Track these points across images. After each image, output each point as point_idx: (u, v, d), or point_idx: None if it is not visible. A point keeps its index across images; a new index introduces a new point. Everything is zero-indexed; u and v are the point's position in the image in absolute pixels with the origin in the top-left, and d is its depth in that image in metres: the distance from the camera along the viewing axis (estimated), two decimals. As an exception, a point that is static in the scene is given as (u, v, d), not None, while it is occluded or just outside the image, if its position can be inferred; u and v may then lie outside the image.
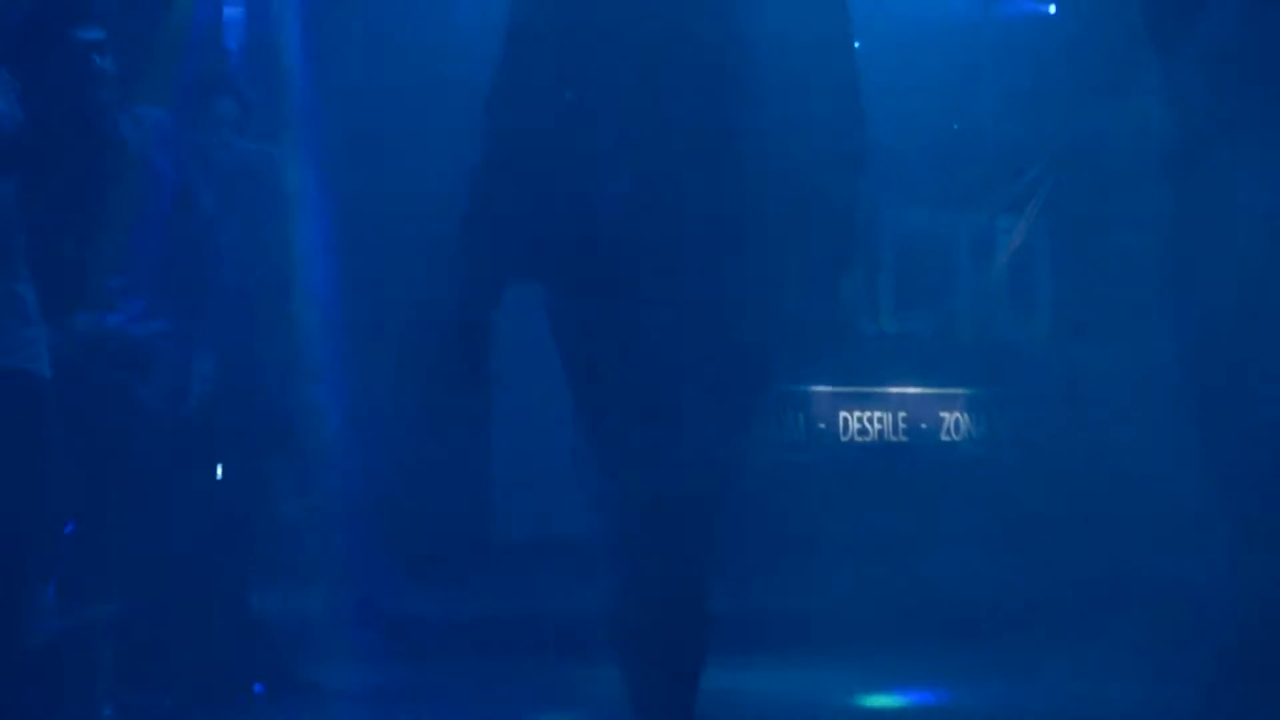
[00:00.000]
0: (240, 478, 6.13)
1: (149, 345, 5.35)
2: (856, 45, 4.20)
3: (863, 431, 10.10)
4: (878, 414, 10.11)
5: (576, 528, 9.05)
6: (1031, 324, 10.86)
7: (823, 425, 9.90)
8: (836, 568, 8.70)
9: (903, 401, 10.24)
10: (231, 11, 7.16)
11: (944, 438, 10.36)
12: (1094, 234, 10.76)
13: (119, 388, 5.28)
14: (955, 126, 10.57)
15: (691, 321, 4.28)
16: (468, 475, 8.93)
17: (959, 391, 10.45)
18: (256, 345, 6.44)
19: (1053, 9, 10.85)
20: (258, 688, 5.99)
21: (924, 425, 10.28)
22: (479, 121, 4.21)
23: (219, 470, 5.85)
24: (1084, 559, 9.46)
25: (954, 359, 10.47)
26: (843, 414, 9.92)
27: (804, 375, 5.53)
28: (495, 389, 5.05)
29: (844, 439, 10.00)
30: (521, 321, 8.34)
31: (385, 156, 8.66)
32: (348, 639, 6.95)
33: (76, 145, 5.29)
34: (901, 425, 10.22)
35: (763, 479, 5.71)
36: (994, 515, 9.74)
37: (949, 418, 10.38)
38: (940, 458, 10.25)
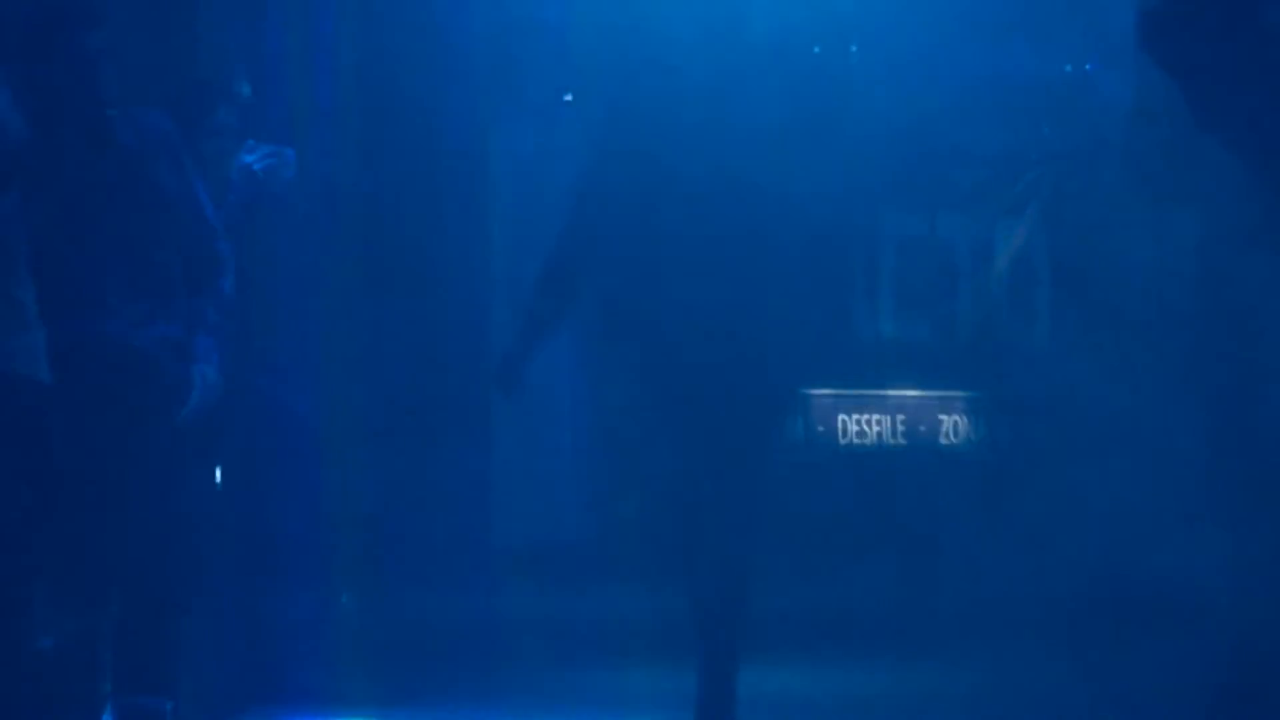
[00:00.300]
0: (242, 483, 6.13)
1: (150, 351, 5.33)
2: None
3: (861, 435, 10.09)
4: (876, 417, 10.10)
5: (576, 533, 9.08)
6: (1031, 328, 10.84)
7: (821, 428, 9.89)
8: (835, 570, 8.70)
9: (901, 405, 10.23)
10: (235, 15, 7.15)
11: (943, 441, 10.35)
12: (1093, 238, 10.75)
13: (119, 394, 5.27)
14: (954, 131, 10.56)
15: (722, 336, 5.05)
16: (468, 480, 8.92)
17: (958, 395, 10.44)
18: (258, 349, 6.46)
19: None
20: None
21: (923, 429, 10.27)
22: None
23: (218, 475, 5.84)
24: (1083, 562, 9.45)
25: (953, 363, 10.46)
26: (841, 417, 9.91)
27: (804, 379, 5.62)
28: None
29: (843, 442, 10.00)
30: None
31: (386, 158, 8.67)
32: (348, 644, 6.95)
33: (77, 150, 5.28)
34: (900, 429, 10.22)
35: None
36: (993, 518, 9.73)
37: (948, 421, 10.38)
38: (939, 461, 10.24)
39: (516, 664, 7.13)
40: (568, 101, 9.51)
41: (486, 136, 9.27)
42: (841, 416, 9.88)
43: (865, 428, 10.12)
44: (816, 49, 9.20)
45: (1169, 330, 10.40)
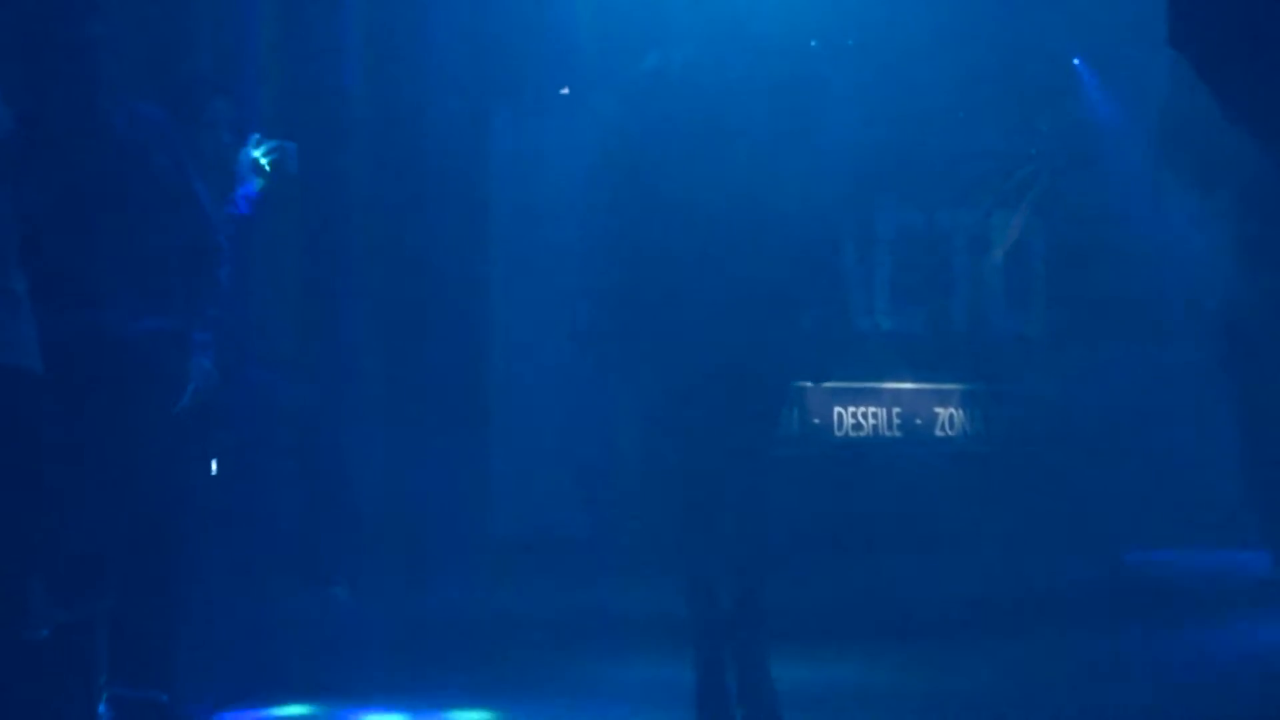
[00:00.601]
0: (239, 475, 6.12)
1: (146, 343, 5.33)
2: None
3: (857, 427, 10.10)
4: (872, 409, 10.11)
5: (573, 527, 9.10)
6: (1025, 320, 10.86)
7: (817, 420, 9.90)
8: (829, 562, 8.70)
9: (897, 397, 10.24)
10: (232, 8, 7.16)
11: (938, 433, 10.36)
12: (1088, 230, 10.77)
13: (115, 386, 5.26)
14: (950, 124, 10.57)
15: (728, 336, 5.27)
16: (466, 473, 8.94)
17: (953, 387, 10.46)
18: (254, 341, 6.46)
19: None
20: None
21: (918, 421, 10.28)
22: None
23: (214, 467, 5.83)
24: (1077, 555, 9.48)
25: (948, 355, 10.48)
26: (837, 409, 9.92)
27: (805, 372, 5.73)
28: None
29: (838, 434, 10.01)
30: (520, 323, 8.31)
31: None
32: (347, 637, 6.95)
33: (73, 142, 5.27)
34: (896, 421, 10.23)
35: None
36: (988, 510, 9.74)
37: (943, 414, 10.39)
38: (934, 453, 10.25)
39: (513, 657, 7.13)
40: (564, 94, 9.52)
41: (484, 128, 9.28)
42: (837, 409, 9.89)
43: (861, 420, 10.12)
44: (813, 43, 9.24)
45: (1174, 325, 10.47)
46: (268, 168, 6.01)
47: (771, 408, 5.59)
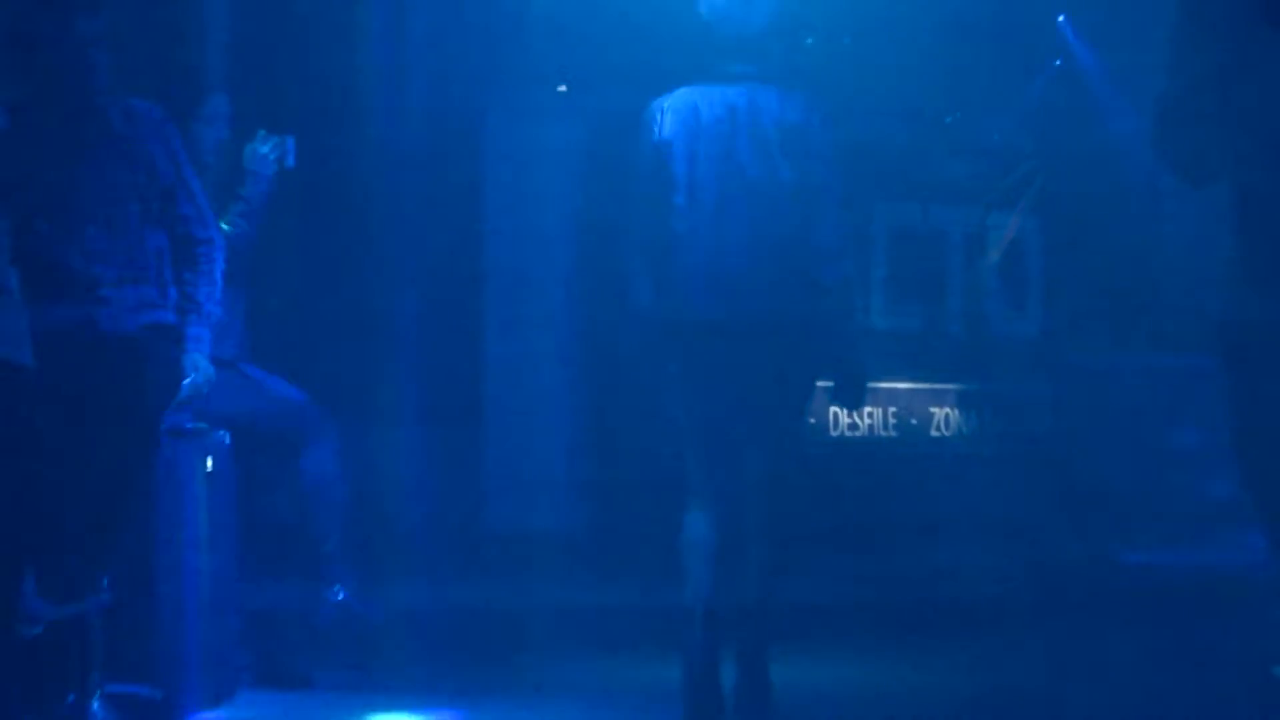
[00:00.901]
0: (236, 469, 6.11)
1: (142, 338, 5.33)
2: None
3: (853, 427, 10.10)
4: (868, 409, 10.10)
5: (564, 522, 9.09)
6: (1022, 320, 10.87)
7: (813, 420, 9.88)
8: (825, 561, 8.70)
9: (893, 397, 10.24)
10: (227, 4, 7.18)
11: (934, 433, 10.36)
12: (1084, 230, 10.78)
13: (111, 380, 5.26)
14: (947, 120, 10.59)
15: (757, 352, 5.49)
16: (458, 468, 8.93)
17: (949, 387, 10.46)
18: (254, 337, 6.47)
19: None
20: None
21: (914, 421, 10.28)
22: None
23: (209, 464, 5.83)
24: (1071, 554, 9.49)
25: (944, 355, 10.48)
26: (833, 409, 9.90)
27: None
28: None
29: (833, 434, 10.00)
30: (518, 318, 8.31)
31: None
32: (338, 632, 6.94)
33: (68, 137, 5.27)
34: (891, 420, 10.23)
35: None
36: (983, 510, 9.75)
37: (939, 413, 10.39)
38: (930, 453, 10.25)
39: (507, 653, 7.14)
40: (561, 92, 9.52)
41: (481, 127, 9.28)
42: (834, 408, 9.87)
43: (857, 419, 10.12)
44: (809, 40, 9.24)
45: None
46: (275, 164, 6.08)
47: (799, 407, 5.77)
